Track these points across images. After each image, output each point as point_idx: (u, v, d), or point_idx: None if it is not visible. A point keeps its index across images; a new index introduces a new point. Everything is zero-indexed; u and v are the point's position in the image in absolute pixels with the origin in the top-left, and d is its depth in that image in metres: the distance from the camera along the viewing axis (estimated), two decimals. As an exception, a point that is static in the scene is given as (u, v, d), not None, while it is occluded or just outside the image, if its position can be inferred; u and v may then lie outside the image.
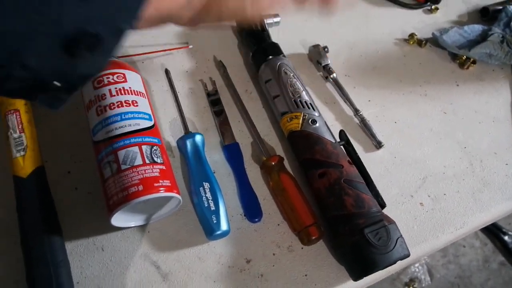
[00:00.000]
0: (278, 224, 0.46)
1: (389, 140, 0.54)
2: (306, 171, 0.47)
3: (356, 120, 0.55)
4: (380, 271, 0.42)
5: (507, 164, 0.53)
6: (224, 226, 0.43)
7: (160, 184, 0.40)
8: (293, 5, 0.40)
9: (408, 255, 0.41)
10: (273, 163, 0.47)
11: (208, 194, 0.44)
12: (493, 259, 1.50)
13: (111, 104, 0.43)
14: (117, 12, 0.26)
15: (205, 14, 0.36)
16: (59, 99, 0.29)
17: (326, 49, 0.60)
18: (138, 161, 0.40)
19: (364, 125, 0.54)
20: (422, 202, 0.49)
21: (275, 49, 0.56)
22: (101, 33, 0.26)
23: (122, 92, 0.45)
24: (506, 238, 1.51)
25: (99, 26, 0.26)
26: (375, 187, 0.47)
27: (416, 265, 1.44)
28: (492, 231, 1.53)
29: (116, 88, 0.45)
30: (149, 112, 0.45)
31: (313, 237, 0.43)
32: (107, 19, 0.26)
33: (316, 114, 0.49)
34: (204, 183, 0.45)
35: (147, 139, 0.42)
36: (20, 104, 0.46)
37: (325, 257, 0.44)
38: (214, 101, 0.55)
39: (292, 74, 0.52)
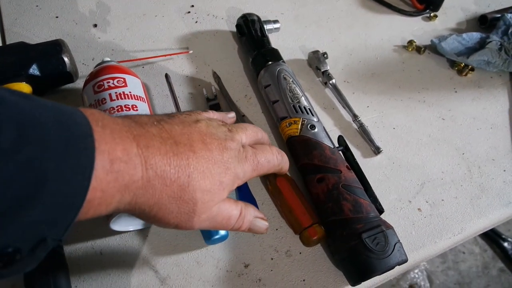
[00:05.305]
0: (277, 229, 0.46)
1: (387, 146, 0.54)
2: (305, 176, 0.47)
3: (355, 126, 0.56)
4: (378, 276, 0.42)
5: (505, 171, 0.53)
6: (222, 230, 0.43)
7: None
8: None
9: (406, 261, 0.41)
10: (271, 168, 0.48)
11: (207, 199, 0.44)
12: (492, 265, 1.50)
13: (111, 109, 0.44)
14: (43, 230, 0.24)
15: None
16: None
17: (325, 55, 0.61)
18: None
19: (363, 130, 0.54)
20: (420, 207, 0.49)
21: (275, 55, 0.56)
22: (21, 250, 0.23)
23: (122, 97, 0.45)
24: (505, 244, 1.51)
25: (19, 243, 0.23)
26: (373, 192, 0.47)
27: (416, 271, 1.43)
28: (492, 238, 1.53)
29: (116, 92, 0.45)
30: (149, 116, 0.46)
31: (313, 238, 0.43)
32: (30, 236, 0.23)
33: (315, 119, 0.50)
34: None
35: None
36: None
37: (323, 262, 0.45)
38: (214, 106, 0.55)
39: (291, 80, 0.52)
